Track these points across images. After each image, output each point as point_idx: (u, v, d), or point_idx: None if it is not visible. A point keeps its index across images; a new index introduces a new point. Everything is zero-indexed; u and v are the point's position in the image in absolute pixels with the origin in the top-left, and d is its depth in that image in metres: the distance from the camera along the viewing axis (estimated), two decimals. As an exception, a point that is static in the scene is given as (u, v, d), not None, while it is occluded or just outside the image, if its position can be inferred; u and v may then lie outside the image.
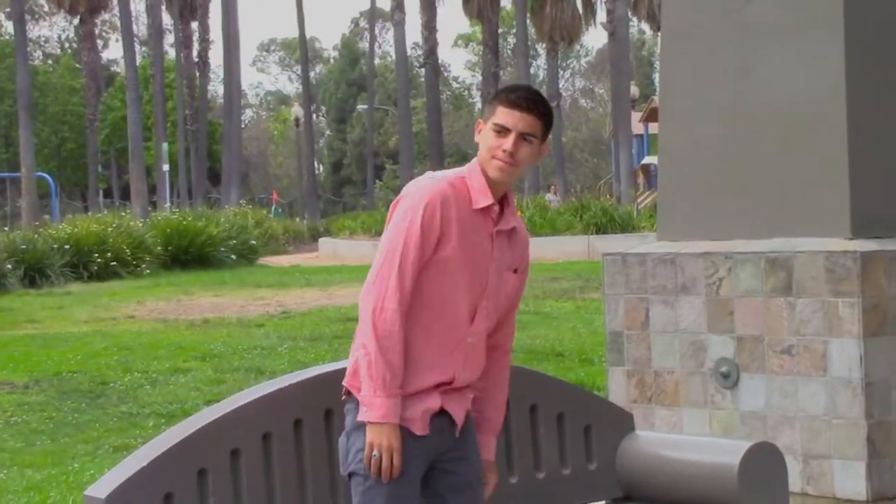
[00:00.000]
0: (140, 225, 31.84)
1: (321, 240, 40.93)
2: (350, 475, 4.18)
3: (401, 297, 4.11)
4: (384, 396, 4.06)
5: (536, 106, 4.24)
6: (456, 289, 4.18)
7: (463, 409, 4.28)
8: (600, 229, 34.05)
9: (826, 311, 6.53)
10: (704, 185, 7.36)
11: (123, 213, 36.53)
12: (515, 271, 4.35)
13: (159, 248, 30.61)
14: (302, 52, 69.48)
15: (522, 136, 4.20)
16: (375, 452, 4.05)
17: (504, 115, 4.22)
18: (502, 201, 4.30)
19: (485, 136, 4.25)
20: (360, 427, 4.12)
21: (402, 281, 4.11)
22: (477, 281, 4.21)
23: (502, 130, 4.20)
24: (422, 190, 4.17)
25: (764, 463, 5.03)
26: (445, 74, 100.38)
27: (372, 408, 4.07)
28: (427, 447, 4.19)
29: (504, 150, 4.18)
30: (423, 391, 4.17)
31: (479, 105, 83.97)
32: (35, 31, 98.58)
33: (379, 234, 4.51)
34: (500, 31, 75.01)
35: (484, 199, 4.21)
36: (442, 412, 4.21)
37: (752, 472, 4.95)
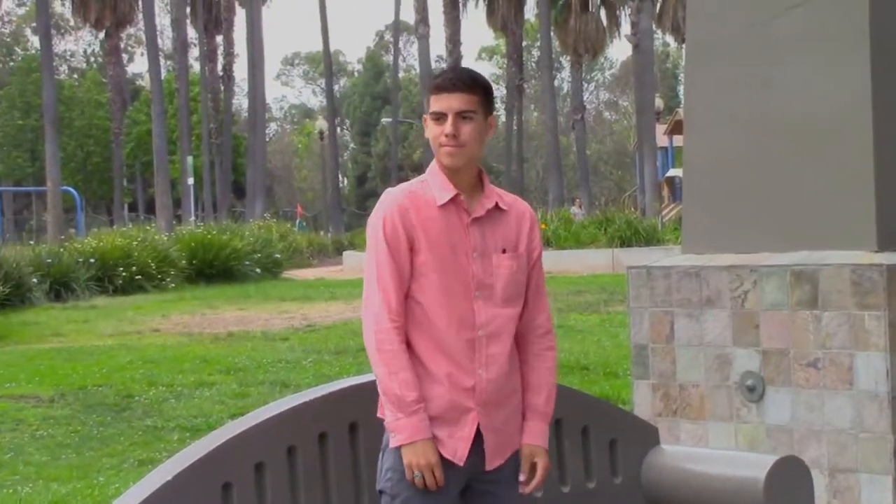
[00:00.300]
0: (165, 239, 31.90)
1: (345, 253, 40.92)
2: (380, 492, 4.21)
3: (389, 314, 4.12)
4: (405, 417, 4.07)
5: (464, 83, 4.23)
6: (447, 290, 4.16)
7: (498, 436, 4.23)
8: (625, 242, 34.00)
9: (852, 324, 6.50)
10: (729, 197, 7.34)
11: (148, 227, 36.60)
12: (504, 251, 4.28)
13: (184, 261, 30.67)
14: (326, 65, 69.60)
15: (460, 116, 4.19)
16: (417, 473, 4.06)
17: (435, 101, 4.22)
18: (476, 189, 4.28)
19: (428, 131, 4.26)
20: (389, 446, 4.14)
21: (386, 298, 4.13)
22: (463, 275, 4.19)
23: (439, 117, 4.20)
24: (378, 209, 4.21)
25: (790, 477, 5.00)
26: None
27: (398, 431, 4.08)
28: (449, 469, 4.16)
29: (446, 135, 4.17)
30: (456, 412, 4.15)
31: (503, 118, 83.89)
32: (61, 45, 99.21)
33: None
34: (524, 43, 75.19)
35: (445, 193, 4.20)
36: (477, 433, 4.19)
37: (778, 486, 4.92)
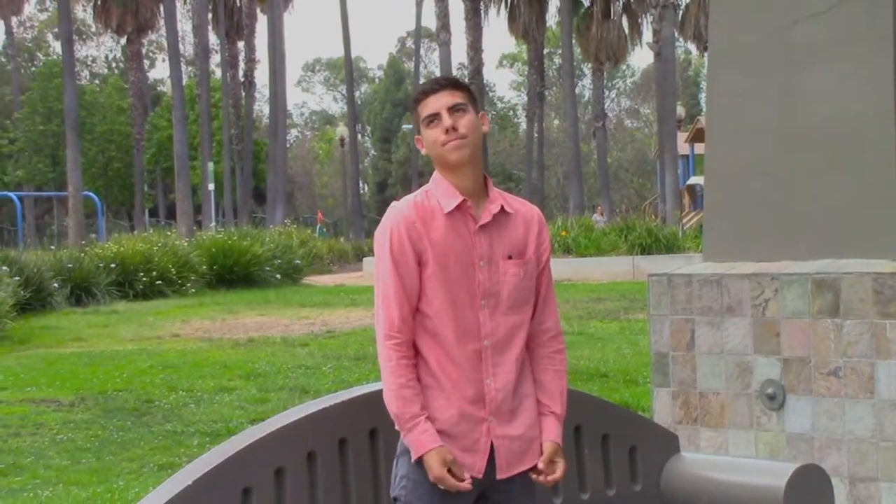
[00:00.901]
0: (185, 244, 31.99)
1: (365, 259, 40.92)
2: (395, 500, 4.21)
3: (390, 329, 4.11)
4: (407, 433, 4.07)
5: (448, 81, 4.25)
6: (453, 301, 4.13)
7: (513, 444, 4.20)
8: (645, 250, 33.99)
9: (873, 332, 6.49)
10: (751, 205, 7.33)
11: (169, 233, 36.71)
12: (510, 258, 4.23)
13: (204, 267, 30.75)
14: (347, 71, 69.66)
15: (454, 110, 4.17)
16: (440, 486, 4.06)
17: (424, 107, 4.20)
18: (482, 195, 4.25)
19: (426, 139, 4.22)
20: (404, 453, 4.14)
21: (389, 314, 4.12)
22: (469, 284, 4.16)
23: (433, 118, 4.18)
24: (384, 223, 4.18)
25: (810, 485, 4.98)
26: (490, 94, 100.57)
27: (412, 447, 4.08)
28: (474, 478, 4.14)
29: (446, 131, 4.15)
30: (469, 423, 4.14)
31: (523, 125, 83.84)
32: (83, 51, 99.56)
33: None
34: (545, 50, 75.12)
35: (452, 200, 4.17)
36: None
37: (798, 494, 4.90)
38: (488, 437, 4.16)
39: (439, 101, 4.19)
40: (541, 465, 4.22)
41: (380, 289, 4.16)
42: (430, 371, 4.14)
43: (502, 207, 4.25)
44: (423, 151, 4.29)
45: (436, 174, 4.26)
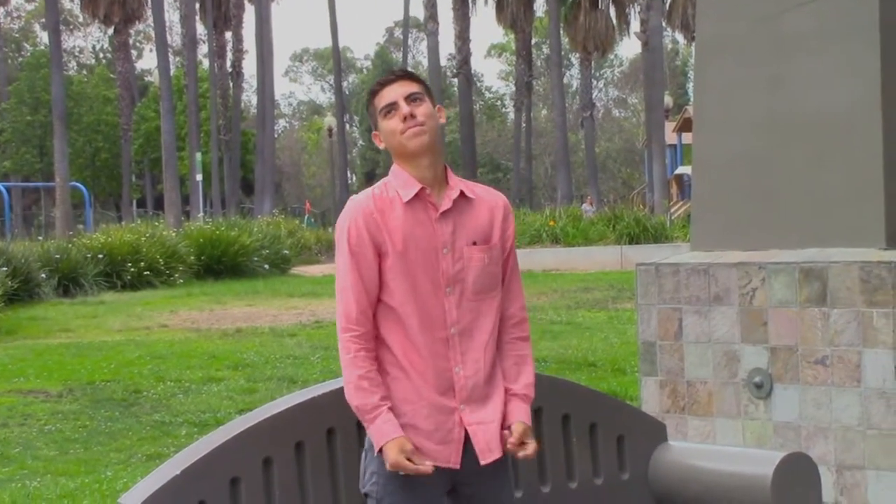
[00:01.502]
0: (173, 235, 31.94)
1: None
2: (365, 495, 4.17)
3: (348, 322, 4.09)
4: (370, 423, 4.04)
5: (403, 72, 4.25)
6: (416, 290, 4.10)
7: (488, 429, 4.16)
8: (633, 239, 34.07)
9: (860, 321, 6.50)
10: (738, 195, 7.34)
11: (157, 223, 36.68)
12: (475, 243, 4.20)
13: (192, 257, 30.72)
14: (335, 61, 69.65)
15: (410, 99, 4.16)
16: (400, 472, 4.02)
17: (380, 98, 4.19)
18: (443, 184, 4.22)
19: (384, 130, 4.20)
20: (371, 447, 4.10)
21: (346, 308, 4.10)
22: (433, 273, 4.13)
23: (390, 108, 4.17)
24: (343, 216, 4.16)
25: (797, 473, 5.00)
26: (478, 84, 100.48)
27: (373, 437, 4.05)
28: (437, 475, 4.09)
29: (404, 118, 4.13)
30: (441, 414, 4.11)
31: (511, 115, 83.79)
32: (70, 41, 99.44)
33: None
34: (533, 40, 75.11)
35: (410, 189, 4.14)
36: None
37: (785, 482, 4.92)
38: (461, 426, 4.13)
39: (395, 91, 4.17)
40: (510, 447, 4.15)
41: (339, 282, 4.14)
42: (398, 362, 4.12)
43: (462, 193, 4.21)
44: (382, 146, 4.27)
45: (394, 166, 4.23)
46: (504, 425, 4.19)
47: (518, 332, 4.32)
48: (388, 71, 4.33)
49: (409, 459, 3.98)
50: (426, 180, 4.16)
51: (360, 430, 4.43)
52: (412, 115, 4.13)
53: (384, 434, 4.01)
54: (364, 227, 4.10)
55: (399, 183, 4.17)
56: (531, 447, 4.18)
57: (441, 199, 4.17)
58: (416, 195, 4.14)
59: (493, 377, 4.22)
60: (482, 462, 4.13)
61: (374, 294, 4.12)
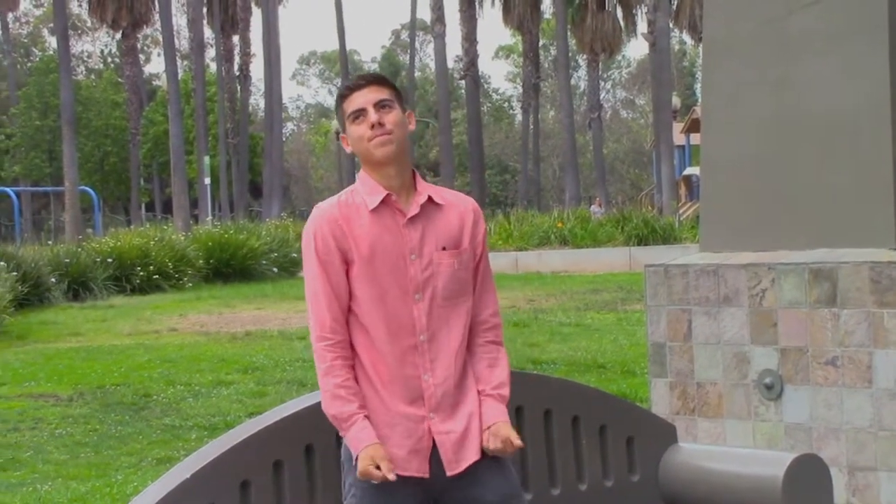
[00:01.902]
0: (182, 238, 31.97)
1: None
2: None
3: (322, 331, 4.06)
4: (346, 431, 4.01)
5: (374, 77, 4.19)
6: (382, 297, 4.07)
7: (459, 438, 4.09)
8: (641, 241, 34.04)
9: (871, 322, 6.49)
10: (747, 195, 7.33)
11: (165, 227, 36.66)
12: (444, 249, 4.14)
13: (201, 261, 30.74)
14: (342, 64, 69.60)
15: (379, 106, 4.11)
16: (371, 479, 3.94)
17: (350, 103, 4.14)
18: (411, 190, 4.17)
19: (352, 136, 4.15)
20: (348, 460, 4.07)
21: (319, 317, 4.08)
22: (401, 279, 4.09)
23: (359, 114, 4.11)
24: (309, 224, 4.14)
25: (809, 475, 4.99)
26: (486, 86, 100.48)
27: (349, 446, 4.02)
28: (413, 484, 4.07)
29: (371, 126, 4.08)
30: (409, 422, 4.06)
31: (519, 117, 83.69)
32: (78, 46, 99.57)
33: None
34: (540, 42, 75.16)
35: (375, 197, 4.11)
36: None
37: (796, 484, 4.91)
38: (430, 435, 4.08)
39: (365, 97, 4.12)
40: (498, 446, 4.08)
41: (309, 291, 4.11)
42: (366, 372, 4.08)
43: (430, 198, 4.17)
44: (349, 150, 4.22)
45: (361, 172, 4.20)
46: (482, 427, 4.13)
47: (490, 336, 4.27)
48: (359, 75, 4.27)
49: (377, 467, 3.92)
50: (393, 188, 4.12)
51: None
52: (380, 124, 4.09)
53: (359, 442, 3.98)
54: (329, 234, 4.08)
55: (366, 190, 4.14)
56: (512, 445, 4.09)
57: (409, 205, 4.14)
58: (383, 201, 4.11)
59: (465, 383, 4.17)
60: (448, 473, 4.07)
61: (344, 302, 4.09)
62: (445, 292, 4.13)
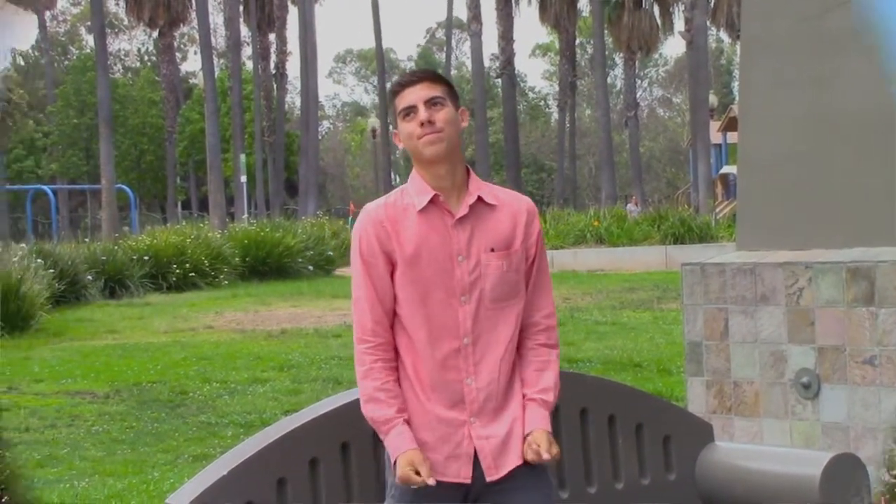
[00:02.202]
0: (218, 236, 32.04)
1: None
2: None
3: (363, 334, 4.03)
4: (385, 435, 3.99)
5: (426, 74, 4.14)
6: (427, 299, 4.02)
7: (499, 444, 4.04)
8: (678, 239, 33.95)
9: (908, 321, 6.46)
10: (784, 194, 7.30)
11: (202, 225, 36.79)
12: (493, 250, 4.06)
13: (237, 259, 30.82)
14: (378, 62, 69.65)
15: (430, 103, 4.04)
16: (411, 484, 3.92)
17: (401, 99, 4.08)
18: (463, 189, 4.10)
19: (402, 133, 4.09)
20: (390, 459, 4.04)
21: (361, 319, 4.04)
22: (447, 281, 4.03)
23: (409, 112, 4.05)
24: (355, 227, 4.10)
25: (846, 474, 4.96)
26: (522, 84, 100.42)
27: (389, 451, 3.99)
28: (453, 489, 4.04)
29: (421, 124, 4.01)
30: (449, 427, 4.02)
31: (555, 115, 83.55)
32: (115, 44, 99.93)
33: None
34: (577, 40, 74.98)
35: (423, 197, 4.04)
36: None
37: (834, 482, 4.89)
38: (471, 440, 4.03)
39: (416, 94, 4.05)
40: (532, 456, 4.01)
41: (354, 293, 4.09)
42: (407, 375, 4.05)
43: (480, 198, 4.09)
44: (400, 146, 4.17)
45: (413, 171, 4.14)
46: (524, 432, 4.07)
47: (543, 338, 4.19)
48: (412, 71, 4.22)
49: (416, 472, 3.89)
50: (443, 187, 4.06)
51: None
52: (430, 122, 4.02)
53: (397, 447, 3.95)
54: (374, 236, 4.04)
55: (415, 190, 4.09)
56: (550, 454, 4.02)
57: (458, 206, 4.07)
58: (431, 202, 4.05)
59: (511, 388, 4.11)
60: (487, 479, 4.03)
61: (388, 304, 4.05)
62: (493, 294, 4.06)
